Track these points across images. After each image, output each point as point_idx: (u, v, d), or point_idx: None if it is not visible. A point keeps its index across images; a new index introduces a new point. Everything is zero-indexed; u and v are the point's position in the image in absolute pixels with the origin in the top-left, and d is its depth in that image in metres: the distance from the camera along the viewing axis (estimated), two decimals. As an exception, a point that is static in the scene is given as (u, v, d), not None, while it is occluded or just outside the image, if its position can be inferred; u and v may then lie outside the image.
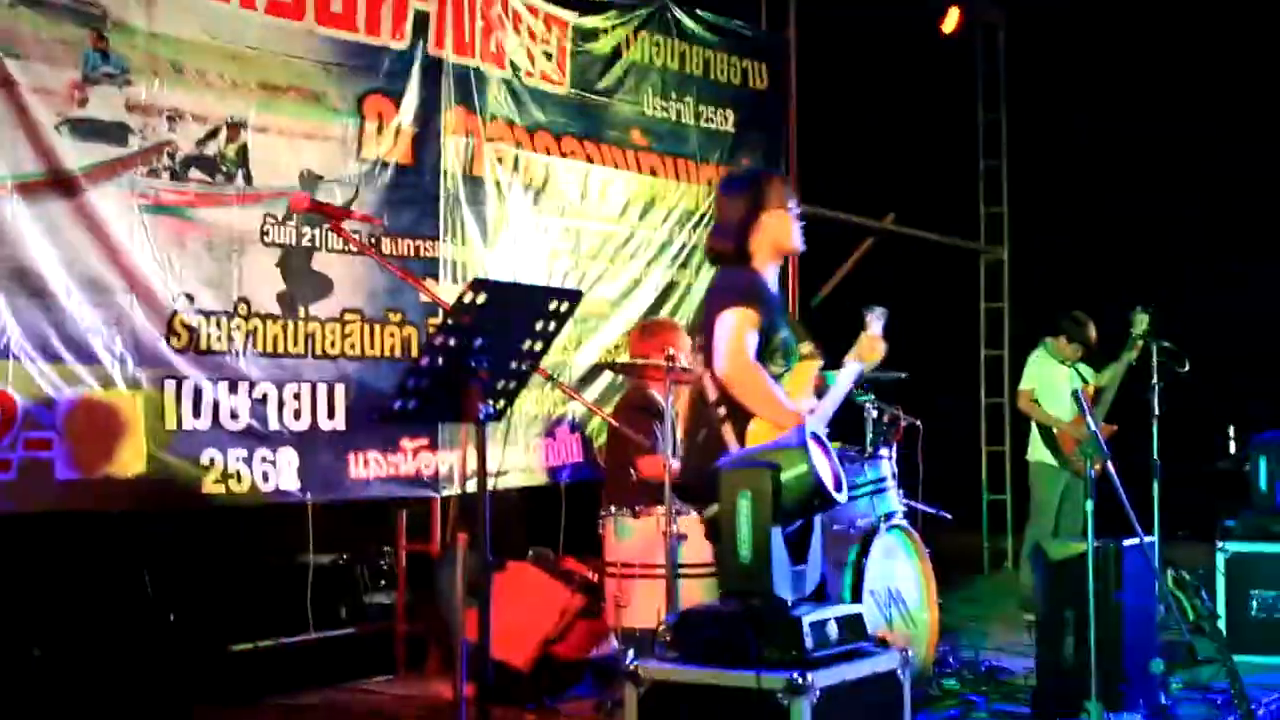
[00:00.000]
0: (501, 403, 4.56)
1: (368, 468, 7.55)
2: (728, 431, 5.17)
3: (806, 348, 5.45)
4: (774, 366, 5.25)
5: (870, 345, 5.49)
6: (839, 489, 4.88)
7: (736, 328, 5.16)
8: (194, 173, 6.86)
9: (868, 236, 11.96)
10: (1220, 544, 8.35)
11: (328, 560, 8.27)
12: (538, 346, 4.55)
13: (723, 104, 10.09)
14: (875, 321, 5.54)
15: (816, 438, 4.91)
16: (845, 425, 7.82)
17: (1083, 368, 9.66)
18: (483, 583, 4.46)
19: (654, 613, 6.33)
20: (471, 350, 4.31)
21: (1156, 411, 9.09)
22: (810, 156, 10.94)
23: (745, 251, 5.39)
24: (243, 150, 7.05)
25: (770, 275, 5.44)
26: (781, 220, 5.42)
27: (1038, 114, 12.90)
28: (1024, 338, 12.14)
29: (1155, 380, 9.18)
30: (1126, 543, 6.73)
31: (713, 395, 5.23)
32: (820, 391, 5.44)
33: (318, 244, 7.31)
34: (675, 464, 6.79)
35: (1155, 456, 9.00)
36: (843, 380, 5.45)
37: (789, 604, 4.62)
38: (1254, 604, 8.26)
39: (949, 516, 8.29)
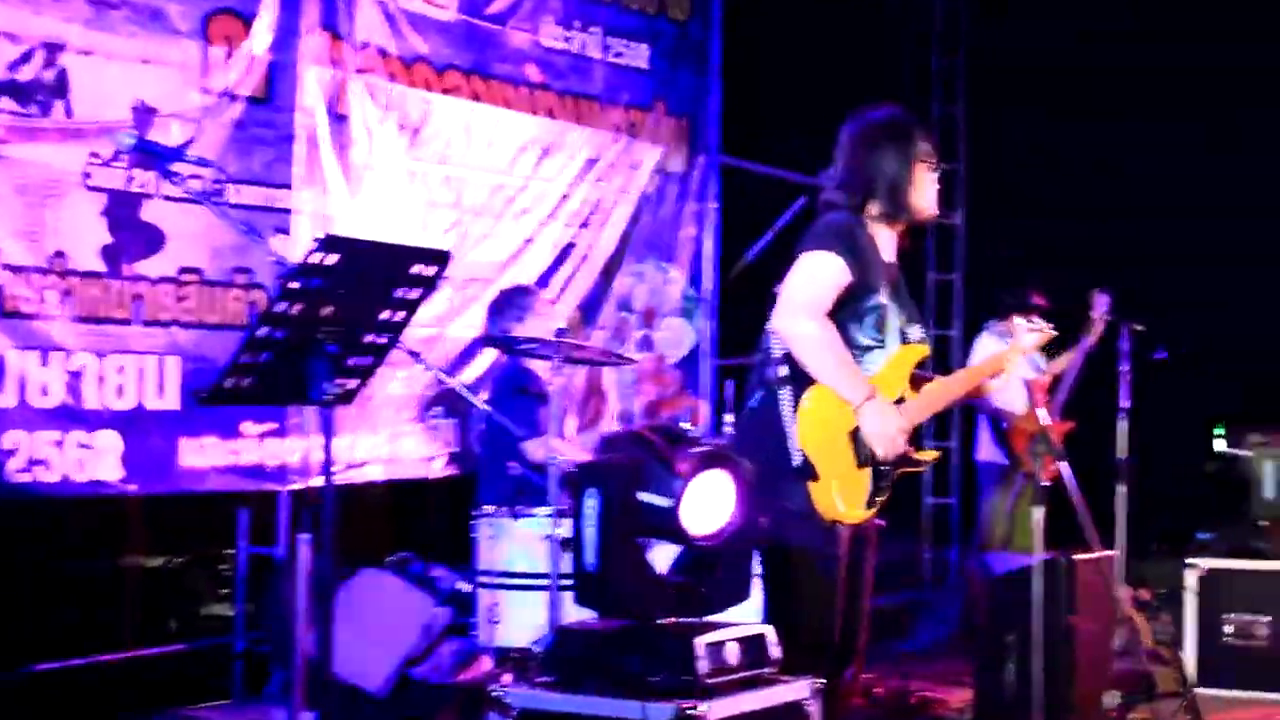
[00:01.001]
0: (355, 382, 4.57)
1: (204, 455, 7.52)
2: (785, 397, 5.16)
3: (916, 332, 5.42)
4: (861, 335, 5.24)
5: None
6: (715, 536, 4.88)
7: (811, 273, 5.14)
8: (3, 101, 6.79)
9: (800, 195, 12.01)
10: (1190, 560, 8.45)
11: (157, 564, 8.24)
12: (399, 316, 4.55)
13: (635, 37, 10.12)
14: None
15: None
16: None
17: (1037, 354, 9.78)
18: (326, 592, 4.46)
19: (533, 630, 6.35)
20: (319, 320, 4.30)
21: (1125, 404, 9.20)
22: (737, 102, 10.97)
23: (879, 202, 5.34)
24: (62, 76, 6.99)
25: (884, 239, 5.39)
26: (923, 179, 5.41)
27: (1001, 57, 12.98)
28: (978, 315, 12.27)
29: (1124, 367, 9.29)
30: (1081, 557, 6.82)
31: (776, 353, 5.22)
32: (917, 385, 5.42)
33: (151, 190, 7.27)
34: (566, 448, 6.83)
35: (1122, 456, 9.11)
36: (975, 368, 5.57)
37: (683, 622, 4.66)
38: (1227, 629, 8.37)
39: (883, 523, 8.33)
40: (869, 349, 5.26)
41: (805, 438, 5.11)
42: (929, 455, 5.57)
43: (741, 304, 10.75)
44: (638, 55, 10.14)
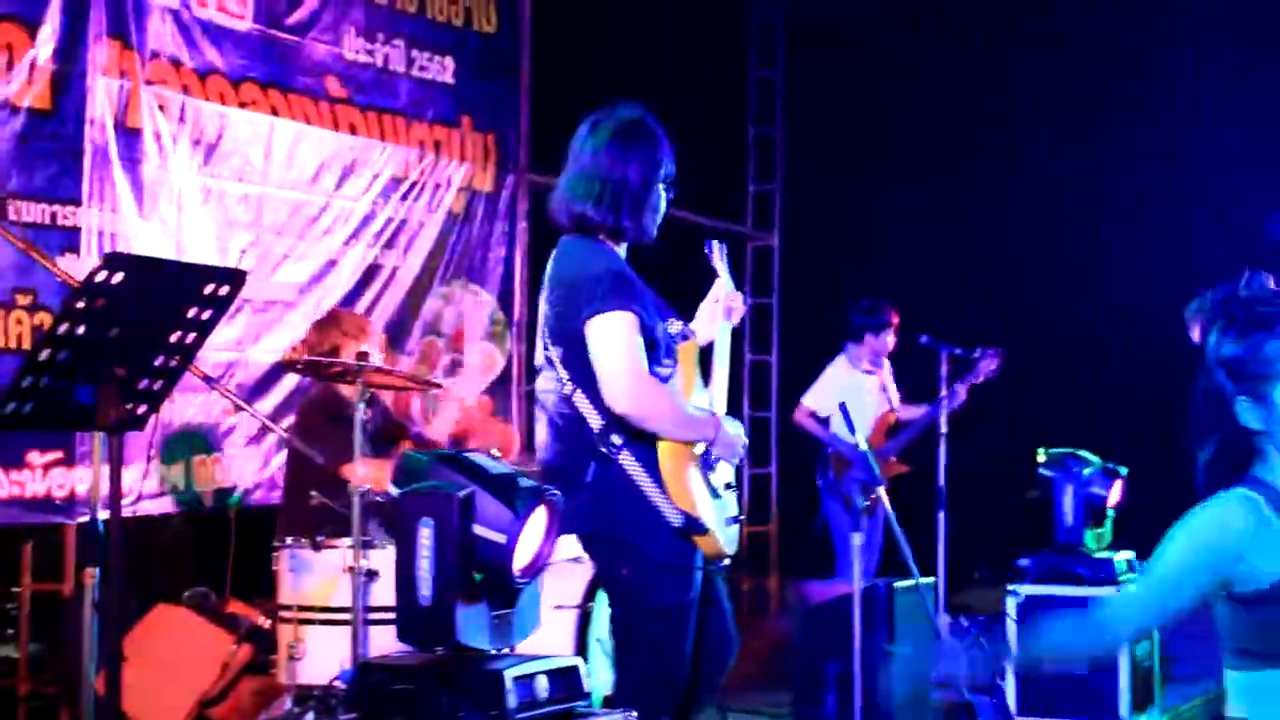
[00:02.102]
0: (144, 407, 4.49)
1: (-15, 487, 7.36)
2: (630, 463, 5.08)
3: (675, 326, 5.35)
4: (663, 369, 5.18)
5: (731, 293, 5.56)
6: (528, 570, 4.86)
7: (621, 342, 5.03)
8: None
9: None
10: (1011, 587, 8.58)
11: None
12: (190, 338, 4.49)
13: (441, 50, 10.08)
14: (721, 260, 5.61)
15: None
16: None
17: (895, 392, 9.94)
18: (116, 629, 4.38)
19: (337, 667, 6.28)
20: (106, 342, 4.22)
21: (943, 429, 9.34)
22: (547, 117, 10.96)
23: (620, 227, 5.22)
24: None
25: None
26: (660, 202, 5.32)
27: (820, 73, 13.11)
28: (797, 340, 12.39)
29: (942, 393, 9.43)
30: (899, 584, 6.89)
31: (598, 422, 5.10)
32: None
33: (-75, 207, 7.10)
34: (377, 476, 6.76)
35: (941, 482, 9.26)
36: (723, 350, 5.46)
37: (490, 655, 4.63)
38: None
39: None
40: (669, 377, 5.24)
41: (679, 496, 5.08)
42: None
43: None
44: (444, 69, 10.11)
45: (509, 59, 10.72)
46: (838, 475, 9.72)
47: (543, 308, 5.29)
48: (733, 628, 5.45)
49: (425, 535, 4.59)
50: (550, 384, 5.24)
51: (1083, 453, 8.80)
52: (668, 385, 5.21)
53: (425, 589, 4.58)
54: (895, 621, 6.97)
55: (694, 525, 5.07)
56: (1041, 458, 8.88)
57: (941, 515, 9.32)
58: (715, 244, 5.67)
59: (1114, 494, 8.76)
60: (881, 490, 6.68)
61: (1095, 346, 12.12)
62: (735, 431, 5.29)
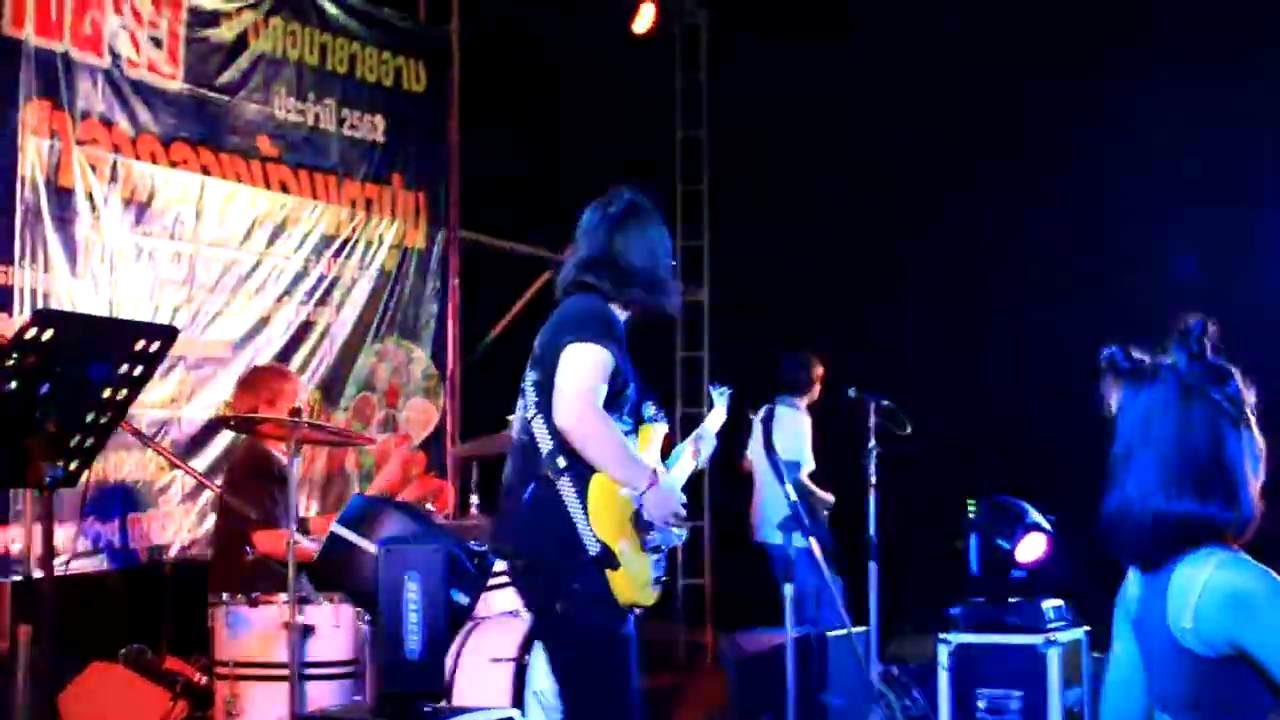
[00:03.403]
0: (75, 464, 4.43)
1: (-82, 546, 7.27)
2: (566, 487, 5.16)
3: (650, 409, 5.51)
4: (620, 425, 5.28)
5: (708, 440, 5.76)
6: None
7: (586, 368, 5.17)
8: None
9: (545, 270, 12.02)
10: (942, 635, 8.57)
11: None
12: (121, 394, 4.43)
13: (371, 108, 10.08)
14: (721, 400, 5.89)
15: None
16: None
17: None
18: (50, 688, 4.31)
19: (274, 722, 6.24)
20: (36, 397, 4.17)
21: (873, 480, 9.33)
22: (476, 174, 10.98)
23: (628, 297, 5.43)
24: None
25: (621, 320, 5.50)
26: (671, 270, 5.57)
27: (743, 133, 13.16)
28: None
29: (872, 445, 9.44)
30: (832, 634, 6.88)
31: (547, 445, 5.21)
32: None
33: None
34: (304, 540, 6.73)
35: (871, 532, 9.24)
36: (683, 466, 5.58)
37: (425, 707, 4.59)
38: (981, 704, 8.50)
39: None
40: (626, 434, 5.31)
41: (599, 526, 5.14)
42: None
43: (484, 382, 10.73)
44: (374, 128, 10.10)
45: (438, 118, 10.73)
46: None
47: (535, 345, 5.44)
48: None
49: (412, 590, 4.57)
50: (519, 410, 5.39)
51: (1022, 503, 8.82)
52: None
53: (414, 642, 4.56)
54: (828, 672, 6.95)
55: (608, 558, 5.12)
56: (971, 507, 8.89)
57: (873, 565, 9.30)
58: (724, 389, 5.99)
59: (1027, 549, 8.76)
60: (812, 540, 6.68)
61: (1029, 394, 12.15)
62: (672, 494, 5.31)
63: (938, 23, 12.30)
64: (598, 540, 5.12)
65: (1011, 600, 8.66)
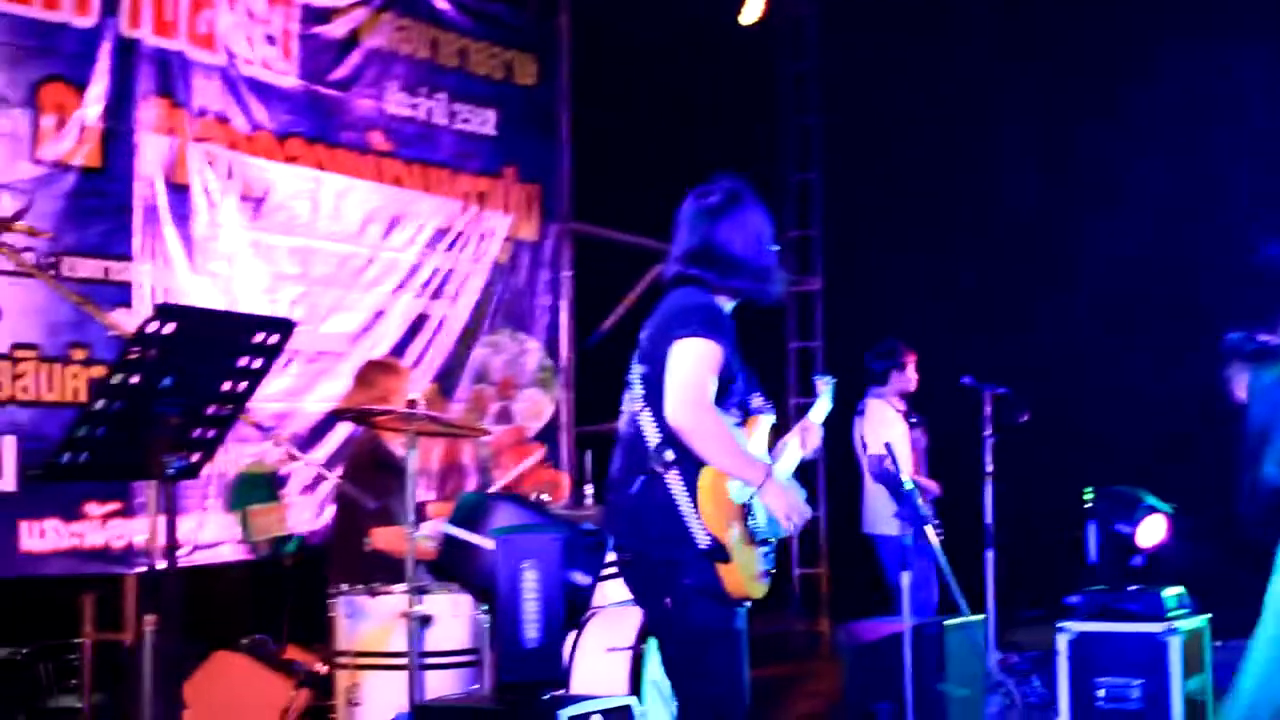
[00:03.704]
0: (197, 455, 4.48)
1: (44, 539, 7.38)
2: (674, 481, 5.15)
3: (757, 400, 5.47)
4: (728, 416, 5.26)
5: (818, 425, 5.65)
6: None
7: (698, 363, 5.14)
8: None
9: (657, 262, 12.03)
10: (1061, 624, 8.50)
11: (1, 655, 8.02)
12: (242, 387, 4.48)
13: (482, 102, 10.13)
14: (826, 388, 5.78)
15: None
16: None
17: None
18: (175, 677, 4.36)
19: (394, 711, 6.26)
20: (158, 391, 4.22)
21: (989, 468, 9.28)
22: (587, 167, 10.99)
23: (729, 286, 5.39)
24: (-114, 149, 6.88)
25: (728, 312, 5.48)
26: (773, 258, 5.48)
27: (856, 120, 13.10)
28: (840, 384, 12.31)
29: (988, 433, 9.38)
30: (950, 622, 6.83)
31: (655, 438, 5.20)
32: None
33: (-18, 265, 7.13)
34: (422, 537, 6.76)
35: (989, 521, 9.19)
36: (790, 457, 5.51)
37: (544, 695, 4.60)
38: (1100, 693, 8.41)
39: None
40: (734, 427, 5.30)
41: (710, 519, 5.12)
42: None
43: (598, 372, 10.75)
44: (485, 121, 10.14)
45: (549, 111, 10.75)
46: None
47: (641, 338, 5.41)
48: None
49: (530, 578, 4.57)
50: (627, 403, 5.37)
51: (1139, 491, 8.73)
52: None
53: (532, 630, 4.57)
54: (947, 660, 6.90)
55: (718, 551, 5.09)
56: (1088, 496, 8.81)
57: (990, 554, 9.25)
58: (829, 378, 5.88)
59: (1147, 532, 8.67)
60: (929, 529, 6.65)
61: (1146, 382, 12.04)
62: (790, 490, 5.27)
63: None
64: (708, 533, 5.10)
65: (1131, 588, 8.57)
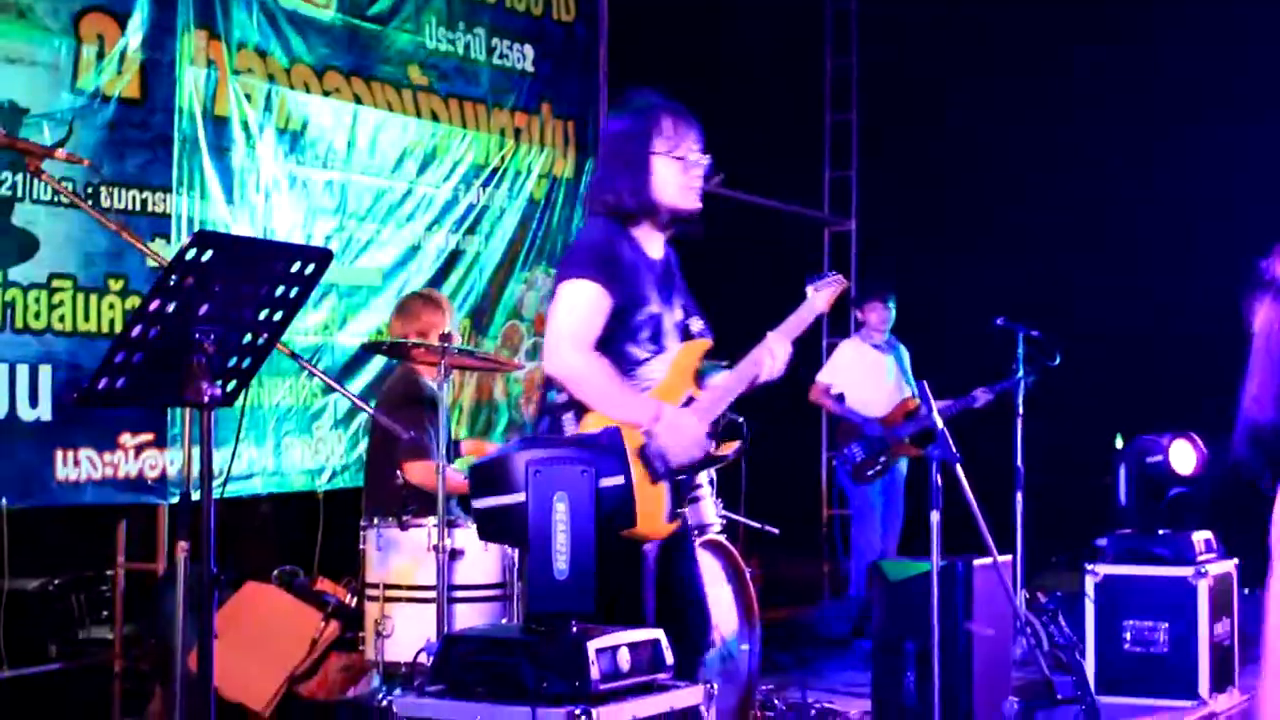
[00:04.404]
0: (233, 383, 4.50)
1: (79, 468, 7.41)
2: (569, 423, 5.12)
3: (696, 324, 5.36)
4: (638, 350, 5.19)
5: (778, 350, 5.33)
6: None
7: (572, 304, 5.09)
8: None
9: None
10: (1089, 566, 8.52)
11: (33, 586, 8.09)
12: (278, 316, 4.49)
13: (521, 38, 10.12)
14: (824, 290, 5.49)
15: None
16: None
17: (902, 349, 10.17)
18: (207, 604, 4.39)
19: (423, 643, 6.31)
20: (194, 318, 4.23)
21: (1020, 411, 9.29)
22: (626, 105, 10.98)
23: (625, 208, 5.25)
24: (-75, 76, 6.90)
25: (651, 241, 5.31)
26: (667, 173, 5.25)
27: (896, 62, 13.07)
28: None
29: (1020, 374, 9.38)
30: (977, 562, 6.85)
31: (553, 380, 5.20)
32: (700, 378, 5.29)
33: (19, 193, 7.14)
34: (452, 470, 6.80)
35: (1019, 463, 9.20)
36: (724, 383, 5.26)
37: (573, 627, 4.62)
38: (1127, 635, 8.44)
39: (775, 531, 8.33)
40: (646, 360, 5.22)
41: None
42: (730, 446, 5.34)
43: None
44: (523, 57, 10.13)
45: (587, 47, 10.74)
46: (842, 442, 10.02)
47: None
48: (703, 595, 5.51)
49: (560, 510, 4.57)
50: None
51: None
52: (641, 366, 5.19)
53: (562, 562, 4.57)
54: (973, 600, 6.93)
55: None
56: (1119, 444, 8.83)
57: (1019, 495, 9.27)
58: (833, 277, 5.59)
59: (1179, 456, 8.67)
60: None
61: (1186, 329, 12.01)
62: (683, 424, 5.10)
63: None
64: None
65: (1160, 532, 8.59)
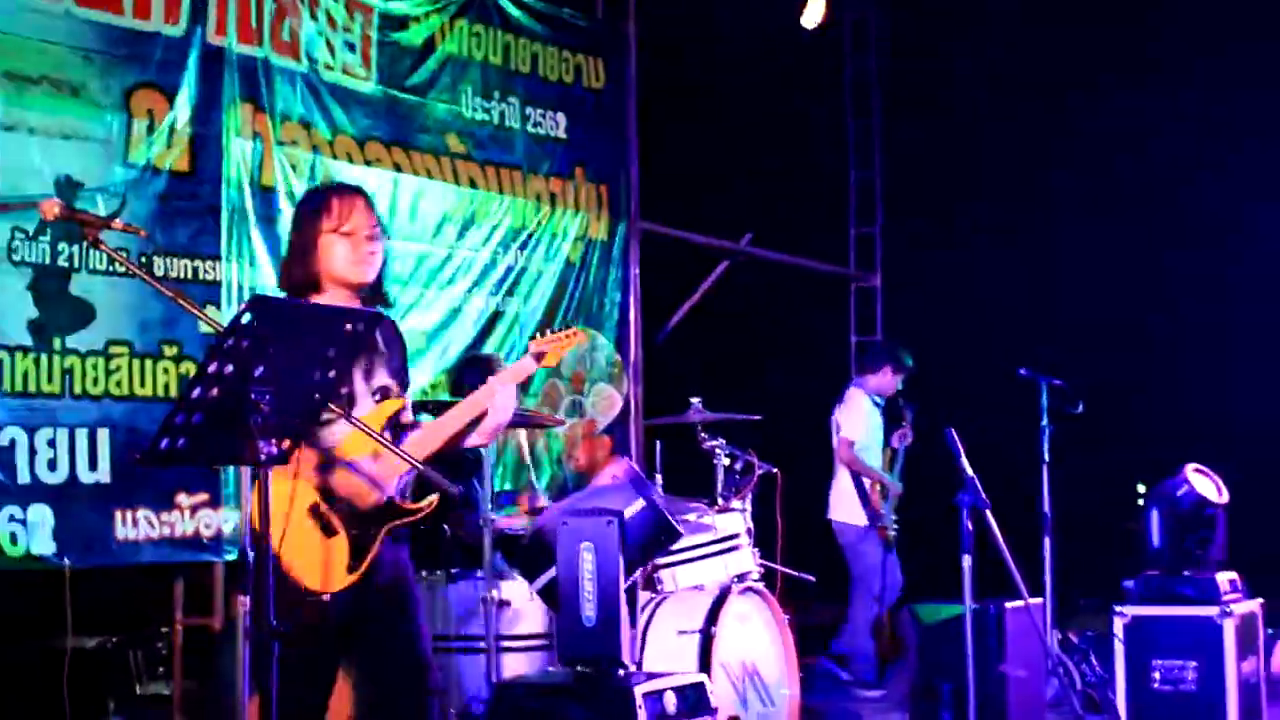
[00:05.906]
0: (288, 442, 4.54)
1: (137, 528, 7.46)
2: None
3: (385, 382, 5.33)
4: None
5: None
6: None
7: None
8: (-79, 179, 6.77)
9: (722, 260, 12.07)
10: (1118, 608, 8.50)
11: (93, 644, 8.11)
12: (330, 375, 4.54)
13: (553, 105, 10.19)
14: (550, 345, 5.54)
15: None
16: (692, 473, 7.90)
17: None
18: (265, 655, 4.41)
19: (478, 691, 6.33)
20: (250, 379, 4.28)
21: (1046, 458, 9.29)
22: (656, 167, 11.05)
23: (314, 281, 5.18)
24: (-16, 153, 6.97)
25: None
26: (331, 248, 5.15)
27: (916, 120, 13.12)
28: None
29: (1044, 424, 9.39)
30: (1010, 605, 6.85)
31: None
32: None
33: (77, 264, 7.23)
34: (499, 518, 6.83)
35: (1046, 509, 9.19)
36: (465, 407, 5.31)
37: (621, 672, 4.65)
38: (1156, 675, 8.41)
39: (812, 579, 8.36)
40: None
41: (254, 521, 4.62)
42: (421, 505, 5.28)
43: (666, 367, 10.81)
44: (556, 124, 10.20)
45: (617, 113, 10.80)
46: (876, 507, 10.01)
47: None
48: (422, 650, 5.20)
49: (588, 560, 4.61)
50: None
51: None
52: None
53: (589, 610, 4.60)
54: (1006, 641, 6.93)
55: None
56: (1142, 490, 8.82)
57: (1047, 540, 9.26)
58: (561, 334, 5.64)
59: (1204, 485, 8.65)
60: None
61: (1210, 371, 12.01)
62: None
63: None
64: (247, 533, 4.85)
65: (1185, 572, 8.56)
